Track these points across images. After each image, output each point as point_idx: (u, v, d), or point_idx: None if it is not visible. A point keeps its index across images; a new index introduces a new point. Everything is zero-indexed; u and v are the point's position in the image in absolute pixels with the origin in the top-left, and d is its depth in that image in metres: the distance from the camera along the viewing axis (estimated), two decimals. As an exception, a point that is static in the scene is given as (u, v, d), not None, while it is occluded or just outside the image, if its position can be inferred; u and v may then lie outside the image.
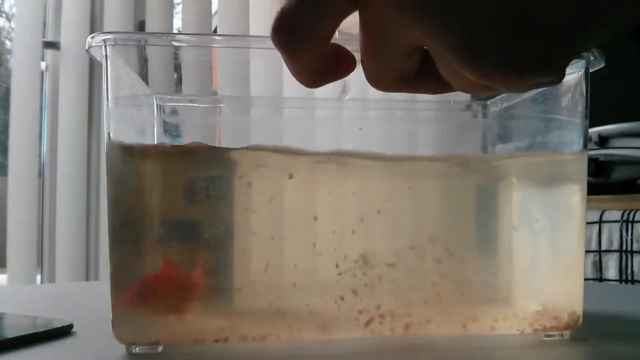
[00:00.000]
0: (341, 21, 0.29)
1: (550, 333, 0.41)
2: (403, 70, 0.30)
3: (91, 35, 0.36)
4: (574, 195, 0.42)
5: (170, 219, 0.37)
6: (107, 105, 0.37)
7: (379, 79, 0.31)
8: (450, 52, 0.27)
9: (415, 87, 0.32)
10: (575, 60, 0.39)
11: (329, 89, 0.39)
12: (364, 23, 0.28)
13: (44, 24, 1.76)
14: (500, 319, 0.40)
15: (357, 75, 0.31)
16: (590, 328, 0.43)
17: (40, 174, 1.75)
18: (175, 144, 0.42)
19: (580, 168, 0.42)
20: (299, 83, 0.32)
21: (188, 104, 0.44)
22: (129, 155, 0.37)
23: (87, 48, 0.36)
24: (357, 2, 0.28)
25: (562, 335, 0.41)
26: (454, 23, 0.26)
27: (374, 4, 0.27)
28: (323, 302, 0.38)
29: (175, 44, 0.37)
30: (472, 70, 0.27)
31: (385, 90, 0.31)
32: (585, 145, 0.42)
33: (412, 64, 0.30)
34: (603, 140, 1.46)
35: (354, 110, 0.45)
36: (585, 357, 0.39)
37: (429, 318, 0.40)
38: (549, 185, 0.42)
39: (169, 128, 0.42)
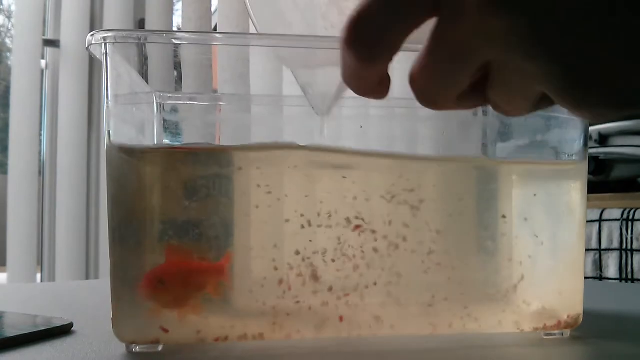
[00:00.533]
0: (416, 29, 0.27)
1: (550, 332, 0.41)
2: (462, 88, 0.29)
3: (91, 33, 0.36)
4: (574, 193, 0.42)
5: (170, 218, 0.37)
6: (107, 103, 0.37)
7: (436, 98, 0.29)
8: (553, 83, 0.26)
9: (461, 105, 0.30)
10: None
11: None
12: (439, 38, 0.27)
13: (44, 22, 1.76)
14: (500, 318, 0.40)
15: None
16: (591, 327, 0.43)
17: (40, 172, 1.76)
18: (175, 142, 0.42)
19: (581, 166, 0.42)
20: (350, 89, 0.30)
21: (188, 102, 0.44)
22: (128, 154, 0.37)
23: (87, 46, 0.36)
24: (444, 11, 0.26)
25: (562, 334, 0.41)
26: (567, 55, 0.25)
27: (473, 15, 0.25)
28: (325, 302, 0.38)
29: (175, 41, 0.37)
30: (574, 103, 0.26)
31: (434, 108, 0.30)
32: (585, 144, 0.42)
33: (470, 81, 0.29)
34: (603, 139, 1.46)
35: (355, 108, 0.45)
36: (586, 356, 0.39)
37: (430, 317, 0.40)
38: (549, 183, 0.42)
39: (168, 126, 0.42)
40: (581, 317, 0.41)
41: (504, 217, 0.41)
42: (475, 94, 0.30)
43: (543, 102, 0.29)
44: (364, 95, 0.30)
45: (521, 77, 0.27)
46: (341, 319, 0.39)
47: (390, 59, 0.28)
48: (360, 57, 0.27)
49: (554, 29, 0.25)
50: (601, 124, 0.32)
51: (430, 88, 0.29)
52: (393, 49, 0.28)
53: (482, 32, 0.26)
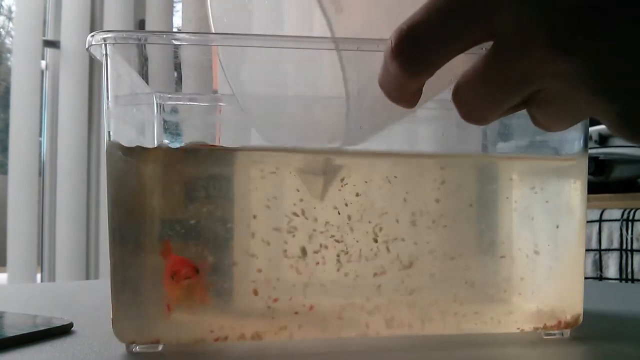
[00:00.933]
0: (466, 50, 0.28)
1: (550, 332, 0.41)
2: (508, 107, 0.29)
3: (91, 34, 0.36)
4: (574, 192, 0.42)
5: (170, 218, 0.37)
6: (107, 104, 0.37)
7: (482, 117, 0.29)
8: (611, 119, 0.27)
9: (500, 117, 0.30)
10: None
11: (330, 87, 0.39)
12: (502, 62, 0.27)
13: (44, 23, 1.77)
14: (500, 318, 0.40)
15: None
16: (591, 327, 0.43)
17: (41, 172, 1.76)
18: (175, 142, 0.42)
19: (581, 166, 0.42)
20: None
21: (188, 103, 0.44)
22: (128, 155, 0.37)
23: (87, 47, 0.36)
24: (505, 43, 0.26)
25: (562, 334, 0.41)
26: (628, 95, 0.26)
27: (540, 55, 0.25)
28: (325, 302, 0.38)
29: (175, 42, 0.37)
30: (628, 136, 0.27)
31: (477, 124, 0.30)
32: (585, 144, 0.42)
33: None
34: (603, 139, 1.46)
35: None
36: (586, 356, 0.39)
37: (430, 317, 0.40)
38: (549, 181, 0.42)
39: (169, 127, 0.42)
40: (581, 317, 0.41)
41: (504, 216, 0.41)
42: (514, 107, 0.30)
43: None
44: (395, 102, 0.30)
45: (578, 108, 0.28)
46: (340, 318, 0.39)
47: (432, 75, 0.28)
48: (405, 71, 0.28)
49: (619, 73, 0.25)
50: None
51: (477, 108, 0.29)
52: (439, 66, 0.28)
53: (545, 69, 0.26)
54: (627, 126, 0.27)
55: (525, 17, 0.26)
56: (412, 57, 0.27)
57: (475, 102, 0.28)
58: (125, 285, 0.37)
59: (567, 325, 0.41)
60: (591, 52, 0.25)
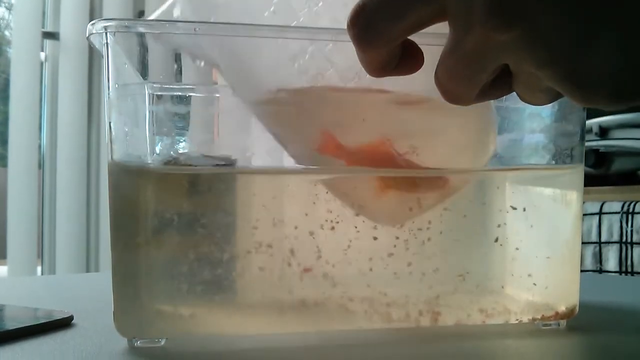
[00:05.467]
0: (420, 29, 0.29)
1: (547, 322, 0.41)
2: (481, 86, 0.30)
3: (92, 22, 0.36)
4: (572, 185, 0.42)
5: (171, 211, 0.37)
6: (108, 93, 0.37)
7: (458, 96, 0.31)
8: (558, 81, 0.28)
9: (485, 97, 0.32)
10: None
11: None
12: (455, 43, 0.29)
13: (43, 14, 1.76)
14: (498, 309, 0.40)
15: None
16: (587, 318, 0.44)
17: (40, 165, 1.76)
18: (173, 134, 0.42)
19: (578, 160, 0.42)
20: None
21: (182, 94, 0.44)
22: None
23: (87, 35, 0.36)
24: (455, 22, 0.28)
25: (558, 324, 0.42)
26: (568, 60, 0.27)
27: (480, 29, 0.27)
28: (329, 297, 0.38)
29: (177, 32, 0.37)
30: (581, 98, 0.28)
31: (458, 104, 0.31)
32: (582, 137, 0.42)
33: (490, 79, 0.31)
34: (603, 131, 1.46)
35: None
36: (581, 346, 0.39)
37: (427, 309, 0.40)
38: (545, 176, 0.42)
39: (168, 118, 0.42)
40: (577, 308, 0.42)
41: (500, 208, 0.41)
42: (499, 85, 0.31)
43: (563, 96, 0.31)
44: (376, 76, 0.32)
45: (537, 77, 0.29)
46: (342, 311, 0.39)
47: (388, 47, 0.30)
48: (358, 43, 0.30)
49: (556, 39, 0.27)
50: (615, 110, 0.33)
51: (451, 87, 0.30)
52: (387, 41, 0.30)
53: (491, 43, 0.28)
54: (576, 89, 0.28)
55: None
56: (363, 30, 0.29)
57: (449, 80, 0.30)
58: (126, 279, 0.36)
59: (564, 316, 0.41)
60: (526, 22, 0.26)
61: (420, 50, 0.32)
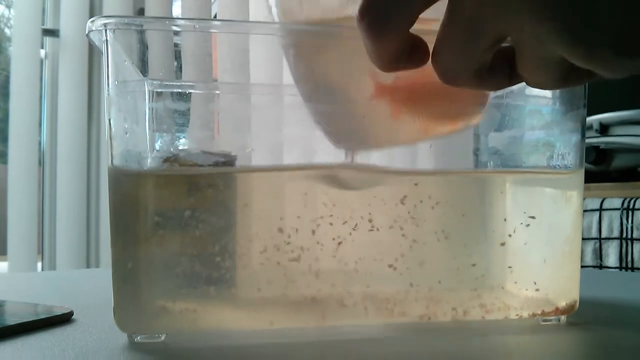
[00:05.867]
0: (425, 9, 0.29)
1: (547, 318, 0.41)
2: (480, 63, 0.30)
3: (91, 19, 0.36)
4: (571, 182, 0.42)
5: (171, 207, 0.37)
6: (108, 91, 0.37)
7: (456, 73, 0.30)
8: (560, 36, 0.27)
9: (484, 83, 0.31)
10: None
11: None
12: (452, 11, 0.28)
13: (43, 11, 1.76)
14: (498, 304, 0.41)
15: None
16: (588, 313, 0.44)
17: (40, 161, 1.75)
18: (172, 130, 0.42)
19: (578, 156, 0.42)
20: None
21: (182, 91, 0.44)
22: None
23: (87, 32, 0.36)
24: None
25: (559, 320, 0.42)
26: (569, 15, 0.26)
27: None
28: (326, 291, 0.38)
29: (176, 29, 0.37)
30: (583, 54, 0.27)
31: (456, 85, 0.31)
32: (583, 135, 0.42)
33: (489, 57, 0.30)
34: (604, 128, 1.46)
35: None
36: (581, 341, 0.39)
37: (427, 304, 0.40)
38: (548, 176, 0.42)
39: (168, 115, 0.42)
40: (577, 304, 0.42)
41: (501, 205, 0.41)
42: (499, 71, 0.31)
43: (571, 77, 0.30)
44: (388, 71, 0.32)
45: (536, 42, 0.28)
46: (342, 306, 0.39)
47: (400, 35, 0.30)
48: (368, 34, 0.30)
49: None
50: (621, 76, 0.32)
51: (448, 63, 0.30)
52: (399, 27, 0.29)
53: (489, 4, 0.27)
54: (577, 43, 0.27)
55: None
56: (376, 20, 0.29)
57: (447, 53, 0.30)
58: (126, 275, 0.37)
59: (564, 311, 0.42)
60: None
61: (425, 41, 0.32)
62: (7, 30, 2.33)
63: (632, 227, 1.28)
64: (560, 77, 0.30)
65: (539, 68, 0.30)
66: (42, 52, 1.75)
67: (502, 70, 0.31)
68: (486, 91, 0.33)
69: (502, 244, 0.41)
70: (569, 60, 0.28)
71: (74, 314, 0.43)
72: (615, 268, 1.30)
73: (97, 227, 1.75)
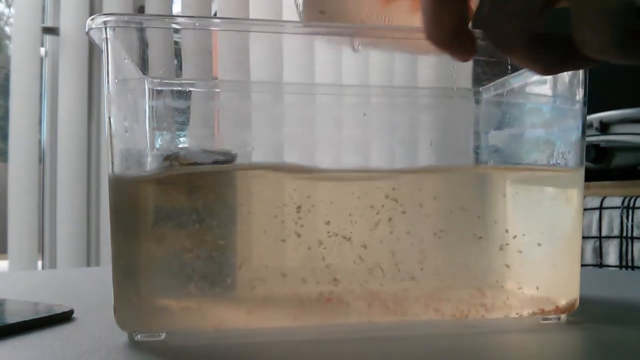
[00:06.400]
0: None
1: (547, 316, 0.41)
2: (532, 30, 0.29)
3: (91, 17, 0.36)
4: (572, 181, 0.42)
5: (171, 205, 0.37)
6: (108, 89, 0.37)
7: (510, 33, 0.29)
8: None
9: (533, 55, 0.30)
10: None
11: (330, 77, 0.39)
12: None
13: (43, 9, 1.76)
14: (498, 303, 0.40)
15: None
16: (588, 312, 0.44)
17: (41, 159, 1.75)
18: (173, 128, 0.42)
19: (578, 154, 0.42)
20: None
21: (182, 89, 0.44)
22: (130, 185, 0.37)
23: (87, 30, 0.36)
24: None
25: (559, 318, 0.42)
26: None
27: None
28: (327, 291, 0.38)
29: (176, 26, 0.37)
30: None
31: (509, 54, 0.30)
32: (583, 133, 0.42)
33: (542, 21, 0.29)
34: (604, 126, 1.46)
35: (356, 96, 0.45)
36: (581, 340, 0.39)
37: (426, 303, 0.40)
38: (547, 175, 0.42)
39: (168, 113, 0.42)
40: (577, 302, 0.42)
41: (500, 203, 0.41)
42: (550, 52, 0.30)
43: (628, 42, 0.29)
44: (444, 48, 0.31)
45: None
46: (342, 305, 0.39)
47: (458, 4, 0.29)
48: None
49: None
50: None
51: (499, 22, 0.29)
52: None
53: None
54: None
55: None
56: None
57: (498, 10, 0.29)
58: (127, 273, 0.37)
59: (564, 310, 0.41)
60: None
61: (475, 39, 0.31)
62: (7, 29, 2.33)
63: (632, 226, 1.28)
64: (620, 38, 0.29)
65: (599, 29, 0.29)
66: (42, 50, 1.75)
67: (555, 51, 0.30)
68: (536, 72, 0.32)
69: (502, 243, 0.41)
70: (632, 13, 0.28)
71: (74, 312, 0.43)
72: (615, 267, 1.30)
73: (98, 226, 1.75)
